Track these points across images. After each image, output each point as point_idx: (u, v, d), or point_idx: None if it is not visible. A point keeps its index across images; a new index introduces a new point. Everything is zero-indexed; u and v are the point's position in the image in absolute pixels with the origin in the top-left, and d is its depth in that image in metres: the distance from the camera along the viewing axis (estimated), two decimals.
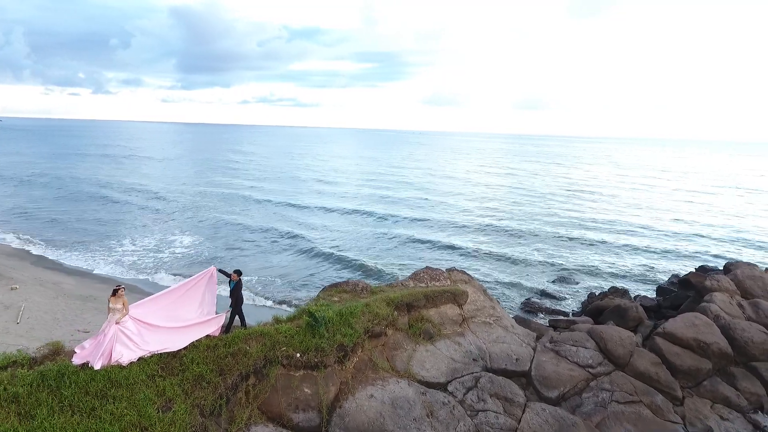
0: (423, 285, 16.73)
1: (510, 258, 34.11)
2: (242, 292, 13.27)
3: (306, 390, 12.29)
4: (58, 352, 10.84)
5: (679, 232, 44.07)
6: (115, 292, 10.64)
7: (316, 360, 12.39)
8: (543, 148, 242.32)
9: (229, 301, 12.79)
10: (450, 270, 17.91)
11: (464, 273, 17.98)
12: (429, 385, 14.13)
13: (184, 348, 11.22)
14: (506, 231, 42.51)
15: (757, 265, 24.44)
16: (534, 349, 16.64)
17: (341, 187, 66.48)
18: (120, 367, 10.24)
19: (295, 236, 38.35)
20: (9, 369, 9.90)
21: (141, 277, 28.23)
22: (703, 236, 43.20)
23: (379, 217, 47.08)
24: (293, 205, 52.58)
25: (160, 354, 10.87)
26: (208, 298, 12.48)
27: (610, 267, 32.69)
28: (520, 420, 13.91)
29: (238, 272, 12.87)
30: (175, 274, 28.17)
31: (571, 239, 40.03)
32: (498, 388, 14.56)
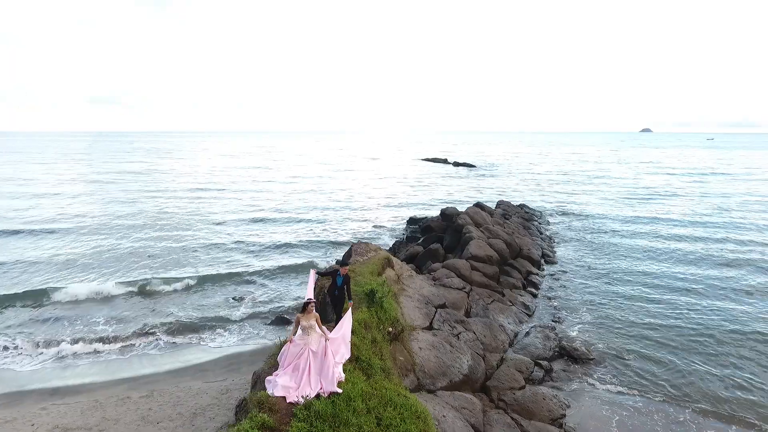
0: (366, 258, 18.39)
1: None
2: None
3: None
4: (263, 403, 7.82)
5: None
6: (305, 307, 8.69)
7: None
8: (138, 144, 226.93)
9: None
10: (364, 242, 20.03)
11: (372, 243, 20.49)
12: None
13: None
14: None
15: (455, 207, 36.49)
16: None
17: None
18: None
19: None
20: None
21: None
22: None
23: None
24: None
25: None
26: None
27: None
28: None
29: (342, 263, 11.40)
30: None
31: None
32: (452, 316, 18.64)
